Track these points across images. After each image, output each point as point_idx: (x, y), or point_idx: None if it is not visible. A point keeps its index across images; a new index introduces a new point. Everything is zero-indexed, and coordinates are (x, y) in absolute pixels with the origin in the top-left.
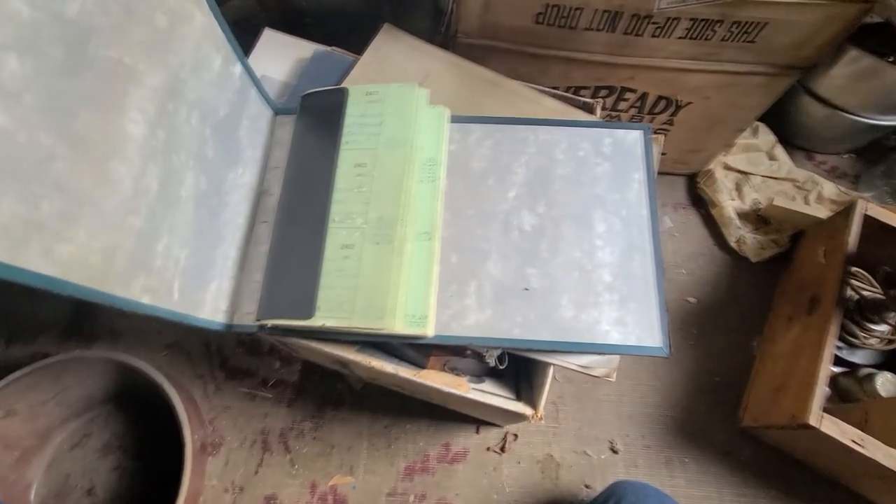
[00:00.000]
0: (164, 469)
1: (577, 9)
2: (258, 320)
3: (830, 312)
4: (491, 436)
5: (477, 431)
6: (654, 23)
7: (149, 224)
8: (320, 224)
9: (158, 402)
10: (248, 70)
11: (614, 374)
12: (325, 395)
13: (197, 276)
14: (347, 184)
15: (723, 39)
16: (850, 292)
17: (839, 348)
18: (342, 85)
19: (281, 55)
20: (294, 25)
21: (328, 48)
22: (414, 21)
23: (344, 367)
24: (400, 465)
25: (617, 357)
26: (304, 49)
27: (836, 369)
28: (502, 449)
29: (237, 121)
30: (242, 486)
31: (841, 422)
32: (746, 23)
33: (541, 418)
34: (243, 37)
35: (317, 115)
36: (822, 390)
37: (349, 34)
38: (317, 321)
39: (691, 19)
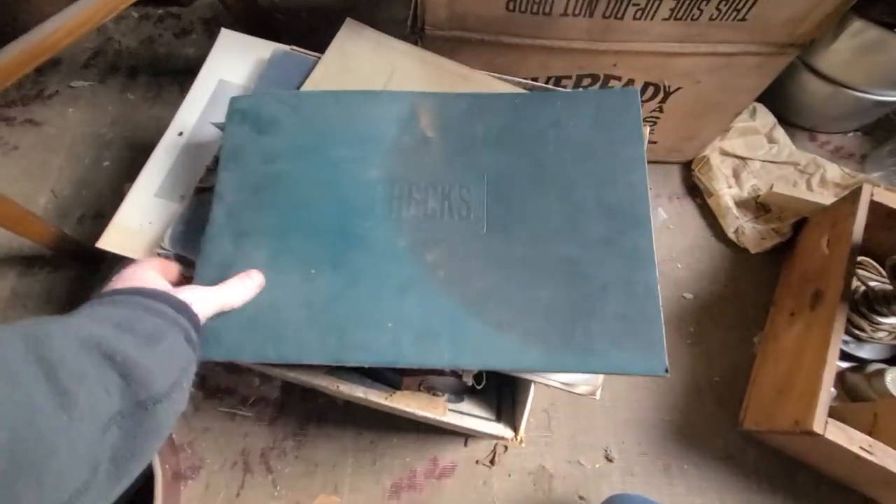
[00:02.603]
0: (137, 498)
1: None
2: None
3: (835, 308)
4: (480, 448)
5: (465, 444)
6: (635, 4)
7: None
8: None
9: None
10: None
11: (598, 392)
12: (308, 412)
13: None
14: None
15: (711, 18)
16: (856, 283)
17: (845, 342)
18: (304, 87)
19: (240, 57)
20: (263, 24)
21: (287, 48)
22: (392, 10)
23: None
24: (386, 482)
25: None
26: (264, 49)
27: (843, 364)
28: (492, 462)
29: None
30: None
31: (848, 427)
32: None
33: (521, 441)
34: (211, 39)
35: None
36: (827, 394)
37: (327, 28)
38: None
39: None
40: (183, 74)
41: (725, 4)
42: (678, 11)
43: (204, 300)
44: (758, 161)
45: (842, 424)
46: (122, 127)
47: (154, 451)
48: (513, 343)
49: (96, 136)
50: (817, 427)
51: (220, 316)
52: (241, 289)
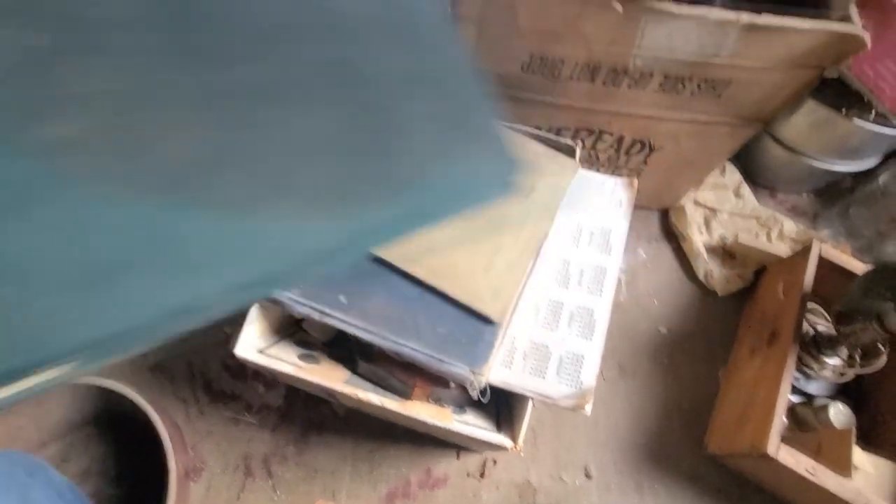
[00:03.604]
0: (143, 496)
1: (559, 60)
2: None
3: (788, 347)
4: (471, 461)
5: (458, 457)
6: (630, 76)
7: None
8: None
9: (138, 426)
10: None
11: (588, 406)
12: (310, 420)
13: None
14: None
15: (692, 94)
16: (806, 326)
17: (796, 378)
18: None
19: None
20: None
21: None
22: None
23: (331, 396)
24: (382, 490)
25: (591, 389)
26: None
27: (795, 399)
28: (482, 475)
29: None
30: None
31: (797, 451)
32: (713, 80)
33: (520, 450)
34: None
35: None
36: (780, 421)
37: None
38: None
39: (664, 75)
40: None
41: (704, 84)
42: (665, 86)
43: None
44: (725, 213)
45: (791, 449)
46: None
47: None
48: (286, 221)
49: None
50: (771, 450)
51: None
52: None
